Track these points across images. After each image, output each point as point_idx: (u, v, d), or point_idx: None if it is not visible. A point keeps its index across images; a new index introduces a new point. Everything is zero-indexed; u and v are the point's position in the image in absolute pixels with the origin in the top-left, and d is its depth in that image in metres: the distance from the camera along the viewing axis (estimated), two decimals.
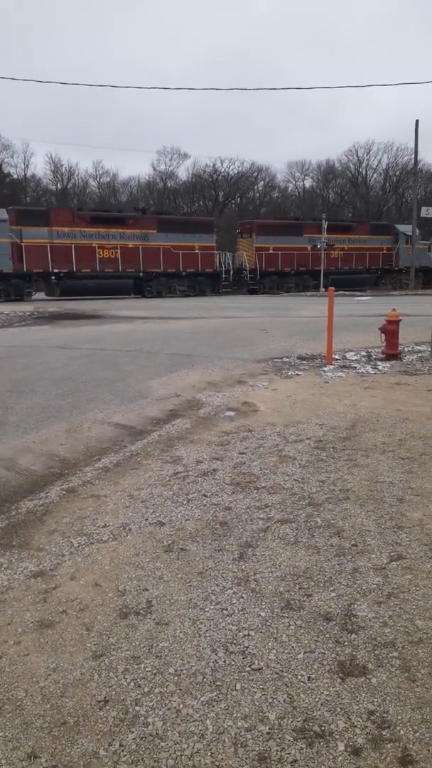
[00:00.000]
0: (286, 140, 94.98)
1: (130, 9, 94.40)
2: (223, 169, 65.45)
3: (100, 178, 68.52)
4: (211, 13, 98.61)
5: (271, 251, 33.30)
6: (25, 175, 63.70)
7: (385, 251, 37.26)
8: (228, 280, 33.25)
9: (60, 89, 63.66)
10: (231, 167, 65.53)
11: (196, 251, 31.06)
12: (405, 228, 37.89)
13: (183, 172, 70.35)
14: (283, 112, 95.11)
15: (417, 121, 34.23)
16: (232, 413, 6.55)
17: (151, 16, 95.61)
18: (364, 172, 67.17)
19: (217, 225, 35.60)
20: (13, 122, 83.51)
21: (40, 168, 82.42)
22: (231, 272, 33.39)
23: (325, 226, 33.43)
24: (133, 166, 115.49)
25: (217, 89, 47.05)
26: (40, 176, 65.81)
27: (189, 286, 31.38)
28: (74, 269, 27.61)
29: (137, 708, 2.19)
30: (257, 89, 77.84)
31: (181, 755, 1.97)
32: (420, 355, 10.30)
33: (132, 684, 2.31)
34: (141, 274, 29.64)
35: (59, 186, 65.62)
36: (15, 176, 62.85)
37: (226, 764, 1.92)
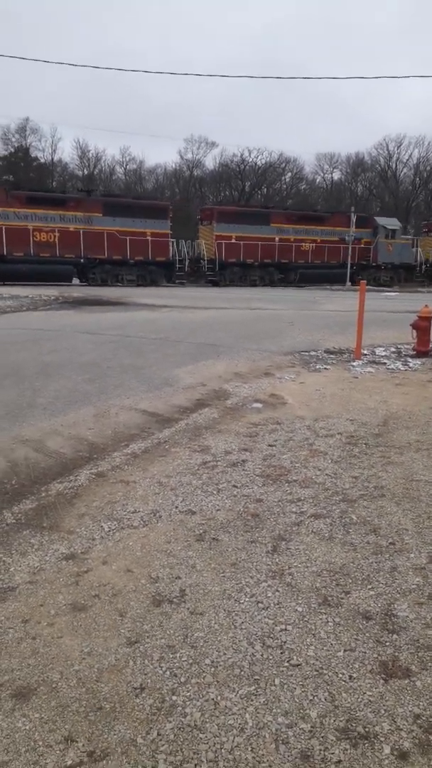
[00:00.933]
0: (316, 132, 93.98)
1: None
2: (250, 159, 64.99)
3: (126, 165, 68.47)
4: (243, 1, 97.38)
5: (233, 240, 30.64)
6: (52, 159, 63.90)
7: (362, 245, 34.38)
8: (184, 270, 30.51)
9: (90, 73, 63.52)
10: (259, 157, 65.05)
11: (147, 238, 28.54)
12: (386, 221, 35.61)
13: (210, 161, 69.98)
14: (313, 103, 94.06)
15: None
16: (259, 405, 6.48)
17: (183, 2, 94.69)
18: (394, 166, 66.16)
19: (174, 210, 32.57)
20: (42, 106, 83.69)
21: (67, 153, 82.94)
22: (186, 261, 30.56)
23: (354, 219, 32.55)
24: (160, 154, 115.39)
25: (250, 77, 46.62)
26: (66, 161, 65.95)
27: (138, 275, 28.94)
28: (4, 252, 25.48)
29: (174, 697, 2.15)
30: (291, 78, 76.68)
31: (221, 748, 1.92)
32: None
33: (168, 673, 2.27)
34: (82, 261, 27.49)
35: (85, 171, 65.71)
36: (42, 160, 63.06)
37: (267, 760, 1.87)
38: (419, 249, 36.50)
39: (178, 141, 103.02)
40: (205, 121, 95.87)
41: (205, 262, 30.66)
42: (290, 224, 32.41)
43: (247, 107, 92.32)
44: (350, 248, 32.56)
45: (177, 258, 30.06)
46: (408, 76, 72.62)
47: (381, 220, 35.25)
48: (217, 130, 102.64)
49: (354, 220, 32.57)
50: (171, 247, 29.65)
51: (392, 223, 35.59)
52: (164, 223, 29.43)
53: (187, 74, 46.17)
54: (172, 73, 58.79)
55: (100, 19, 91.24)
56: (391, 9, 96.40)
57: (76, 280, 28.21)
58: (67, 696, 2.17)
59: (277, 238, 31.94)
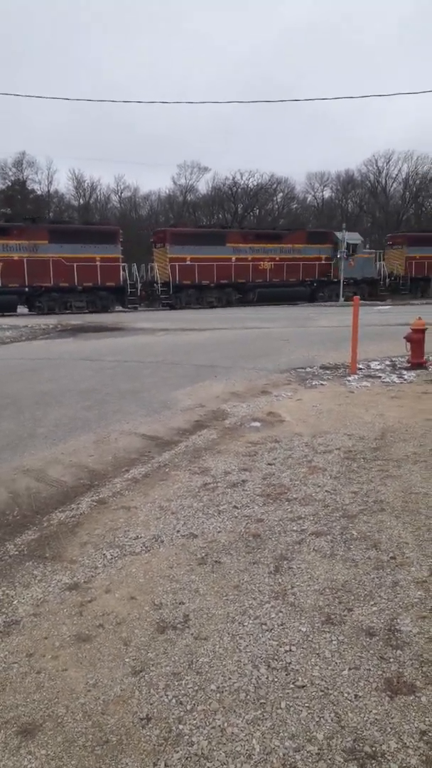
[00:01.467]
0: (306, 151, 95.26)
1: (148, 22, 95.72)
2: (242, 182, 65.82)
3: (121, 193, 69.28)
4: (232, 27, 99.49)
5: (187, 262, 29.82)
6: (49, 191, 64.64)
7: (323, 261, 33.52)
8: (136, 294, 29.74)
9: (83, 105, 64.61)
10: (250, 179, 65.87)
11: (96, 263, 27.92)
12: (346, 236, 34.55)
13: (203, 186, 70.82)
14: (303, 123, 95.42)
15: None
16: (258, 424, 6.50)
17: (170, 27, 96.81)
18: (383, 181, 66.96)
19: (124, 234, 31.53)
20: (38, 139, 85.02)
21: (63, 184, 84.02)
22: (139, 285, 29.90)
23: (344, 235, 32.57)
24: (154, 181, 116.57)
25: (240, 102, 47.59)
26: (63, 192, 66.68)
27: (88, 301, 28.26)
28: None
29: (181, 726, 2.14)
30: (280, 101, 77.95)
31: None
32: None
33: (174, 701, 2.27)
34: (26, 289, 26.90)
35: (81, 201, 66.51)
36: (39, 192, 63.85)
37: None
38: (383, 263, 35.87)
39: (171, 167, 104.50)
40: (198, 147, 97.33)
41: (158, 285, 29.82)
42: (247, 243, 31.58)
43: (238, 131, 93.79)
44: (341, 265, 32.62)
45: (129, 282, 29.29)
46: (394, 94, 74.03)
47: (341, 235, 34.19)
48: (209, 155, 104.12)
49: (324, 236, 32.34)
50: (122, 272, 28.97)
51: (353, 237, 34.64)
52: (114, 248, 28.76)
53: (178, 102, 47.31)
54: (163, 102, 60.21)
55: (91, 51, 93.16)
56: (379, 27, 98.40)
57: (24, 309, 27.79)
58: (73, 730, 2.16)
59: (233, 258, 31.15)
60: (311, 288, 33.52)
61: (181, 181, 67.99)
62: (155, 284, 30.16)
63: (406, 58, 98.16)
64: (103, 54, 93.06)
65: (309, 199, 71.51)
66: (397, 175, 66.18)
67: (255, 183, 65.92)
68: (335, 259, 33.30)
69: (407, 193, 65.94)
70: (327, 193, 70.71)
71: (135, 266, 30.18)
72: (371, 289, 34.92)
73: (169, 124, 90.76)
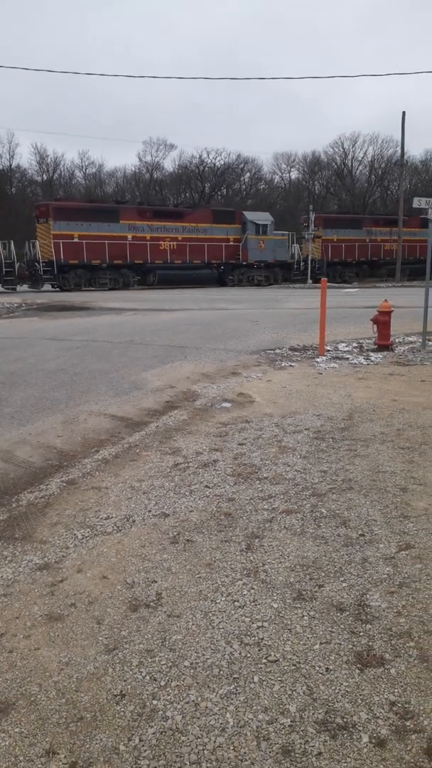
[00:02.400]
0: (273, 132, 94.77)
1: None
2: (209, 161, 65.06)
3: (86, 169, 67.79)
4: (201, 5, 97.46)
5: (74, 240, 27.25)
6: (11, 165, 62.67)
7: (230, 242, 31.33)
8: (13, 274, 27.38)
9: (46, 78, 62.64)
10: (217, 158, 65.18)
11: None
12: (255, 216, 33.01)
13: (169, 164, 69.77)
14: (270, 104, 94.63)
15: (404, 113, 34.20)
16: (228, 404, 6.52)
17: (139, 4, 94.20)
18: (349, 164, 67.14)
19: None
20: None
21: (25, 159, 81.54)
22: (16, 265, 27.49)
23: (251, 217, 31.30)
24: (120, 157, 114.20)
25: (206, 78, 46.85)
26: (25, 167, 64.83)
27: None
28: None
29: (155, 702, 2.15)
30: (247, 78, 77.58)
31: (203, 749, 1.94)
32: (411, 346, 10.34)
33: (147, 678, 2.28)
34: None
35: (45, 177, 64.76)
36: (0, 167, 61.82)
37: (249, 758, 1.90)
38: (297, 245, 34.21)
39: (137, 144, 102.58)
40: (164, 124, 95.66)
41: (40, 264, 26.91)
42: (144, 221, 29.07)
43: (205, 109, 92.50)
44: (310, 247, 32.45)
45: (5, 261, 26.85)
46: (360, 75, 73.91)
47: (250, 215, 32.60)
48: (176, 133, 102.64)
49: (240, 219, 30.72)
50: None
51: (262, 218, 32.79)
52: None
53: (143, 77, 46.06)
54: (128, 76, 58.69)
55: (57, 21, 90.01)
56: (347, 10, 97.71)
57: None
58: (47, 708, 2.15)
59: (129, 237, 28.62)
60: (219, 271, 31.69)
61: (147, 158, 66.89)
62: (37, 263, 27.23)
63: (372, 41, 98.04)
64: (64, 28, 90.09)
65: (276, 180, 71.30)
66: (362, 158, 66.50)
67: (222, 162, 65.31)
68: (244, 240, 31.50)
69: (373, 176, 66.33)
70: (294, 174, 70.62)
71: (12, 243, 27.37)
72: (285, 273, 33.41)
73: (135, 100, 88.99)
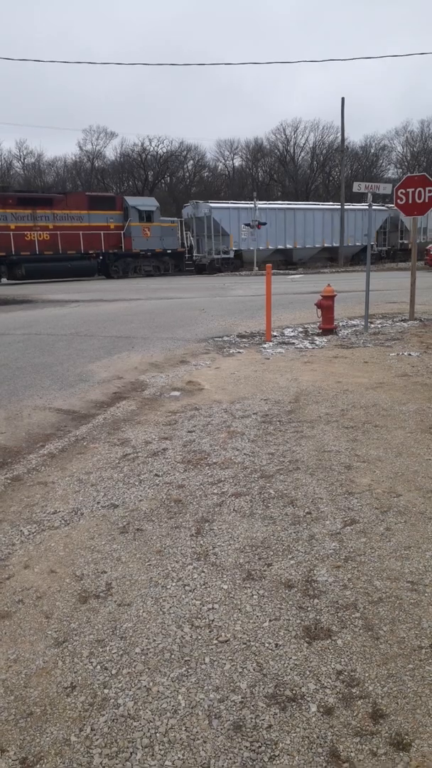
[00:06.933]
0: (216, 120, 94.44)
1: None
2: (151, 148, 64.28)
3: (24, 159, 65.79)
4: None
5: None
6: None
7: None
8: None
9: None
10: (159, 146, 64.48)
11: None
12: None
13: (111, 152, 68.79)
14: (213, 92, 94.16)
15: (343, 99, 34.55)
16: (177, 393, 6.50)
17: None
18: (292, 150, 67.74)
19: None
20: None
21: None
22: None
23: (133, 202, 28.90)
24: (60, 146, 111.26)
25: (145, 64, 46.01)
26: None
27: None
28: None
29: (106, 691, 2.14)
30: (186, 65, 76.98)
31: (156, 732, 1.94)
32: (354, 329, 10.56)
33: (98, 667, 2.26)
34: None
35: None
36: None
37: (201, 737, 1.92)
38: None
39: (77, 132, 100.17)
40: (106, 113, 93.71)
41: None
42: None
43: (146, 97, 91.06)
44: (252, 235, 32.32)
45: None
46: (299, 61, 74.46)
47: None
48: (116, 121, 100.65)
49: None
50: None
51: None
52: None
53: (80, 62, 44.82)
54: (64, 62, 56.86)
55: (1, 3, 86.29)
56: (287, 3, 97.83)
57: None
58: None
59: None
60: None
61: (88, 147, 65.56)
62: None
63: (314, 33, 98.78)
64: (2, 13, 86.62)
65: (220, 167, 71.18)
66: (304, 144, 67.21)
67: (164, 150, 64.66)
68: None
69: (315, 162, 67.13)
70: (237, 162, 70.68)
71: None
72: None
73: (75, 89, 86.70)
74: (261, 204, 33.08)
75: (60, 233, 27.52)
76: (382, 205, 34.72)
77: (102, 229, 28.68)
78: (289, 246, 33.68)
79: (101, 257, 29.09)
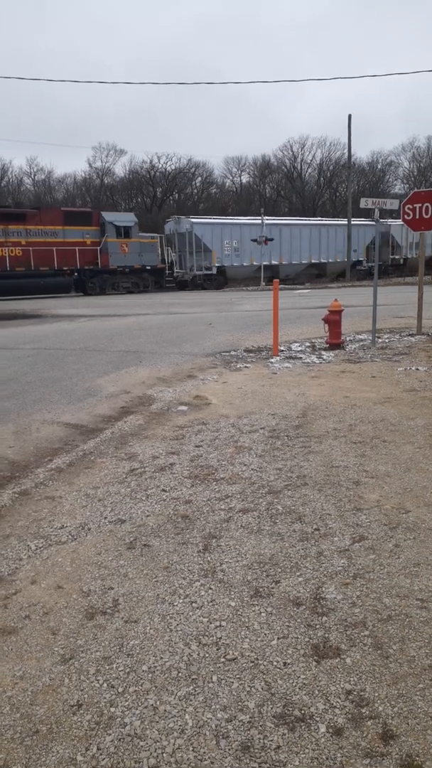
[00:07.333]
0: (224, 137, 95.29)
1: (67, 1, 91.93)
2: (160, 165, 64.98)
3: (35, 176, 66.64)
4: (152, 10, 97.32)
5: None
6: None
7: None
8: None
9: None
10: (168, 163, 65.15)
11: None
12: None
13: (120, 169, 69.49)
14: (220, 109, 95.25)
15: (350, 116, 34.99)
16: (184, 407, 6.51)
17: (90, 9, 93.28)
18: (299, 167, 68.20)
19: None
20: None
21: None
22: None
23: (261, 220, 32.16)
24: (70, 163, 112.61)
25: (154, 83, 46.55)
26: None
27: None
28: None
29: (113, 709, 2.12)
30: (195, 83, 77.87)
31: (162, 753, 1.92)
32: (362, 343, 10.55)
33: (105, 685, 2.24)
34: None
35: None
36: None
37: (209, 757, 1.89)
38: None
39: (87, 150, 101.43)
40: (114, 130, 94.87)
41: None
42: None
43: (155, 114, 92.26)
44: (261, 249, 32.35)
45: None
46: (307, 80, 75.28)
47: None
48: (125, 138, 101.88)
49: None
50: None
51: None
52: None
53: (90, 82, 45.60)
54: (74, 81, 57.75)
55: (12, 21, 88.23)
56: (294, 21, 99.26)
57: None
58: (1, 725, 2.09)
59: None
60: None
61: (97, 164, 66.26)
62: None
63: (317, 47, 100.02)
64: (14, 31, 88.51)
65: (228, 183, 71.77)
66: (311, 160, 67.65)
67: (173, 167, 65.33)
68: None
69: (322, 178, 67.56)
70: (245, 178, 71.24)
71: None
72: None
73: (84, 105, 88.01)
74: (245, 219, 33.01)
75: (32, 249, 26.77)
76: (372, 221, 34.33)
77: (77, 245, 28.04)
78: (275, 262, 33.27)
79: (76, 273, 28.31)
